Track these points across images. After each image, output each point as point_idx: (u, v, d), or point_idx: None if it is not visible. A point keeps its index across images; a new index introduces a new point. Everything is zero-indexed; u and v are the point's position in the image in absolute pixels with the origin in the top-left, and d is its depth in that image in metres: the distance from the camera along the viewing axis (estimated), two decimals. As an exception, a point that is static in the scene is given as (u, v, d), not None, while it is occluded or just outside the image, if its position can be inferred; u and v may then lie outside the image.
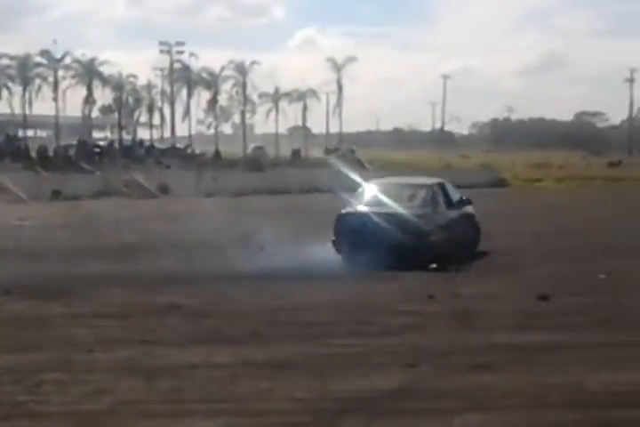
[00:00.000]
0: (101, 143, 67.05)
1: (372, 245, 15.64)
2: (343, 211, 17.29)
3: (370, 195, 17.71)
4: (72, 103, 74.35)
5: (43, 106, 73.94)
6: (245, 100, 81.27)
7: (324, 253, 16.71)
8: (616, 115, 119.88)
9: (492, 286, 13.92)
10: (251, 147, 78.67)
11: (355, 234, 16.40)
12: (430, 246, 16.30)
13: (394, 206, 16.91)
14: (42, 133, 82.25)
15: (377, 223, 16.41)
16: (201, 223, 24.26)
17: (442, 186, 18.19)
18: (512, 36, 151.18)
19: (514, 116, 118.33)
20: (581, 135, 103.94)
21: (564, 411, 7.25)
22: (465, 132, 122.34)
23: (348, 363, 8.84)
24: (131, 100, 79.40)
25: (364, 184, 18.51)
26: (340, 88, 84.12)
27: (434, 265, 15.58)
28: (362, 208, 17.09)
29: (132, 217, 28.78)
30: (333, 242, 16.87)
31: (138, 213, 30.27)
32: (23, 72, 71.17)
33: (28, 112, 71.20)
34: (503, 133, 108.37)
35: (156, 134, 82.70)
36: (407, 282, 14.35)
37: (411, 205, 17.18)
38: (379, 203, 17.23)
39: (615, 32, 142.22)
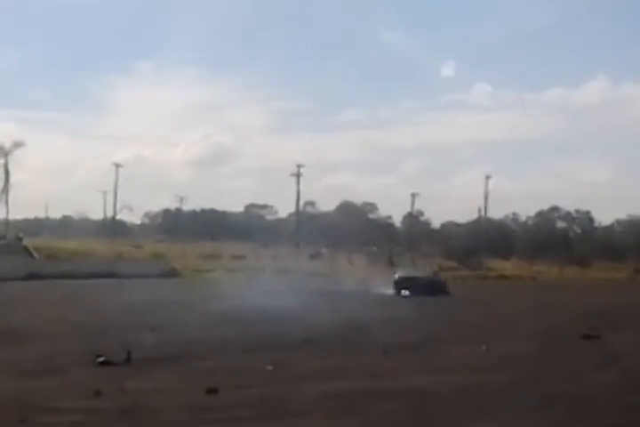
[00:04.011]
0: None
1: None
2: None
3: None
4: None
5: None
6: None
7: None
8: (283, 208, 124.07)
9: (160, 380, 13.72)
10: None
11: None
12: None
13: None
14: None
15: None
16: None
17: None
18: (183, 128, 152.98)
19: (185, 207, 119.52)
20: (250, 227, 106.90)
21: None
22: (137, 221, 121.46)
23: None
24: None
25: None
26: (6, 174, 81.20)
27: (101, 359, 15.20)
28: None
29: None
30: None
31: None
32: None
33: None
34: (175, 224, 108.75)
35: None
36: (73, 376, 13.85)
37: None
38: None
39: (281, 129, 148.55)
